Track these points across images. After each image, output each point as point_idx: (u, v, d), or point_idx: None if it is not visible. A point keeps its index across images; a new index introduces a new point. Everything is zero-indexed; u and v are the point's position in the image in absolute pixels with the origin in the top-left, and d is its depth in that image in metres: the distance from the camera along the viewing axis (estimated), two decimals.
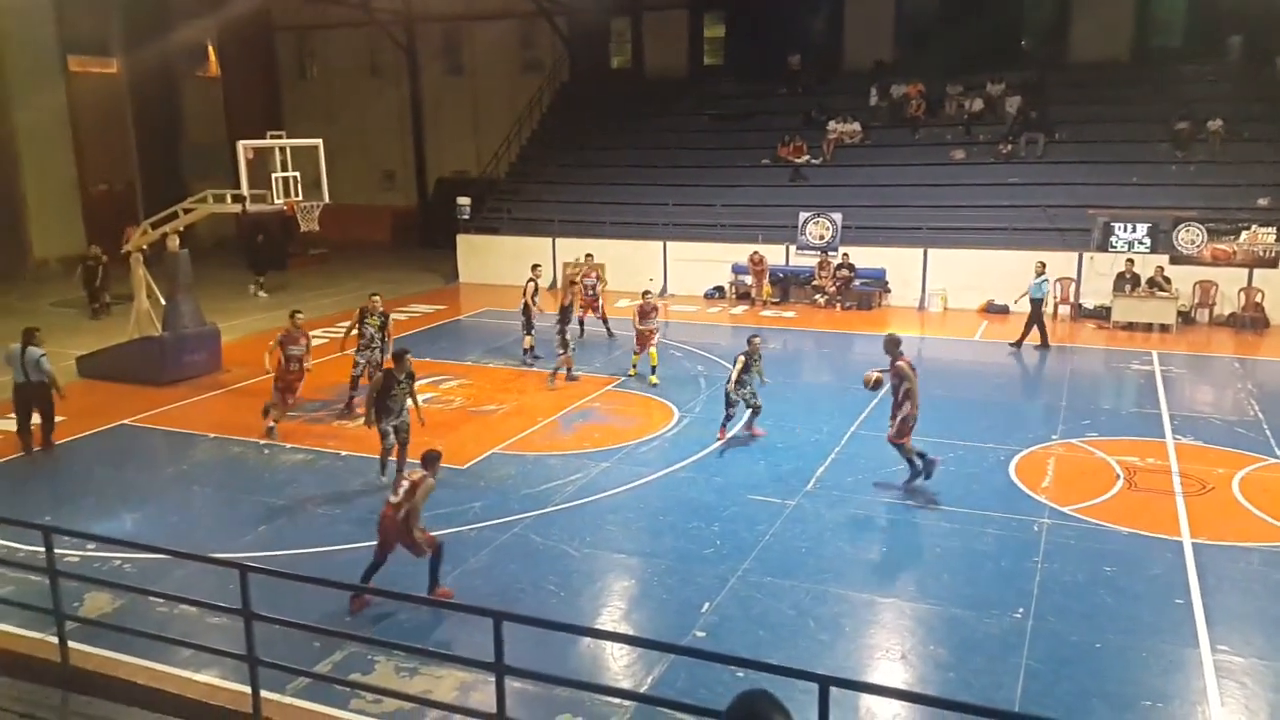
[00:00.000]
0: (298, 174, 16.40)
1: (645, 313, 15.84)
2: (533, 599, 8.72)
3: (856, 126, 26.46)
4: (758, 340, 13.22)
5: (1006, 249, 21.89)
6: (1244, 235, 20.52)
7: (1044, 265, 18.76)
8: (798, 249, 23.89)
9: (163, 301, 17.31)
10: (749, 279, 23.48)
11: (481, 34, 33.95)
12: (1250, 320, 20.05)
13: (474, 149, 33.49)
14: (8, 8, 27.39)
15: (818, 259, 23.33)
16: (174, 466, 12.53)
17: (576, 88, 31.96)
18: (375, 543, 8.54)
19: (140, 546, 8.97)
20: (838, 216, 23.67)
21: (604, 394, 15.43)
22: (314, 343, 19.13)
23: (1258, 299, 20.16)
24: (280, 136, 16.46)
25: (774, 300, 23.21)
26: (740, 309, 23.07)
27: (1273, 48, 23.99)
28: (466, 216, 27.35)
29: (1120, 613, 8.39)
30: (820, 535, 10.09)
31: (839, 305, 22.57)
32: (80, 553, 9.43)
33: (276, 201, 16.14)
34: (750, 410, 13.08)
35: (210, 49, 35.15)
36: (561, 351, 15.89)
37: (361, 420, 11.98)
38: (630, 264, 24.36)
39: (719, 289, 24.37)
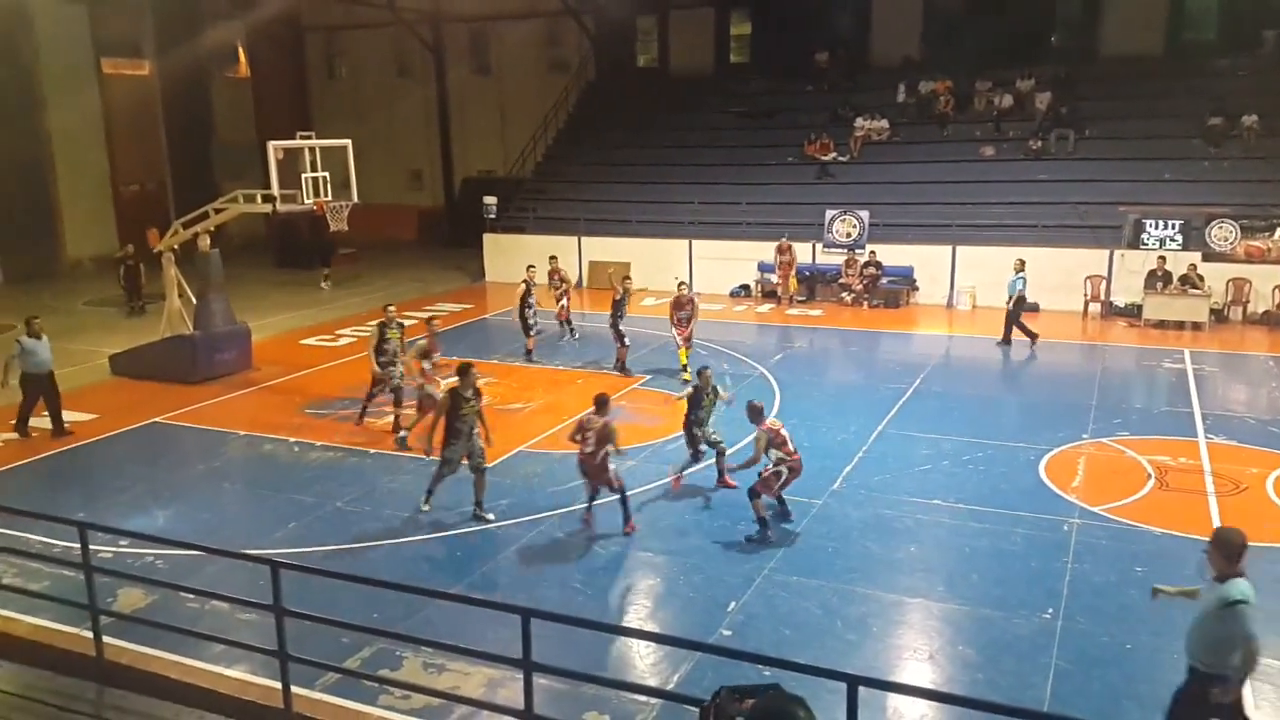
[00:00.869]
0: (327, 174, 16.53)
1: (680, 304, 15.97)
2: (559, 596, 8.76)
3: (884, 124, 26.31)
4: (709, 372, 11.58)
5: (1037, 246, 21.69)
6: (1278, 232, 20.21)
7: (1023, 263, 18.58)
8: (824, 247, 23.78)
9: (194, 300, 17.51)
10: (774, 277, 23.38)
11: (508, 34, 34.10)
12: None
13: (500, 148, 33.63)
14: (43, 12, 27.85)
15: (845, 257, 23.22)
16: (205, 464, 12.68)
17: (602, 86, 32.01)
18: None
19: (172, 543, 9.09)
20: (865, 214, 23.55)
21: (630, 392, 15.45)
22: (343, 342, 19.50)
23: None
24: (309, 137, 16.60)
25: (800, 298, 23.12)
26: (766, 307, 23.01)
27: None
28: (493, 215, 27.46)
29: (1152, 614, 8.28)
30: (847, 535, 10.06)
31: (866, 303, 22.45)
32: (113, 549, 9.56)
33: (306, 201, 16.28)
34: (716, 453, 11.51)
35: (240, 50, 35.53)
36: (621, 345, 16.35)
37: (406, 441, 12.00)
38: (656, 262, 24.36)
39: (744, 287, 24.32)
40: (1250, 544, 5.85)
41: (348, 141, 17.16)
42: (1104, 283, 21.16)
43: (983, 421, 13.61)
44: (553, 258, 20.32)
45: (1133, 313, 20.52)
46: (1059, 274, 21.21)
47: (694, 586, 9.03)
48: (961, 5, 28.82)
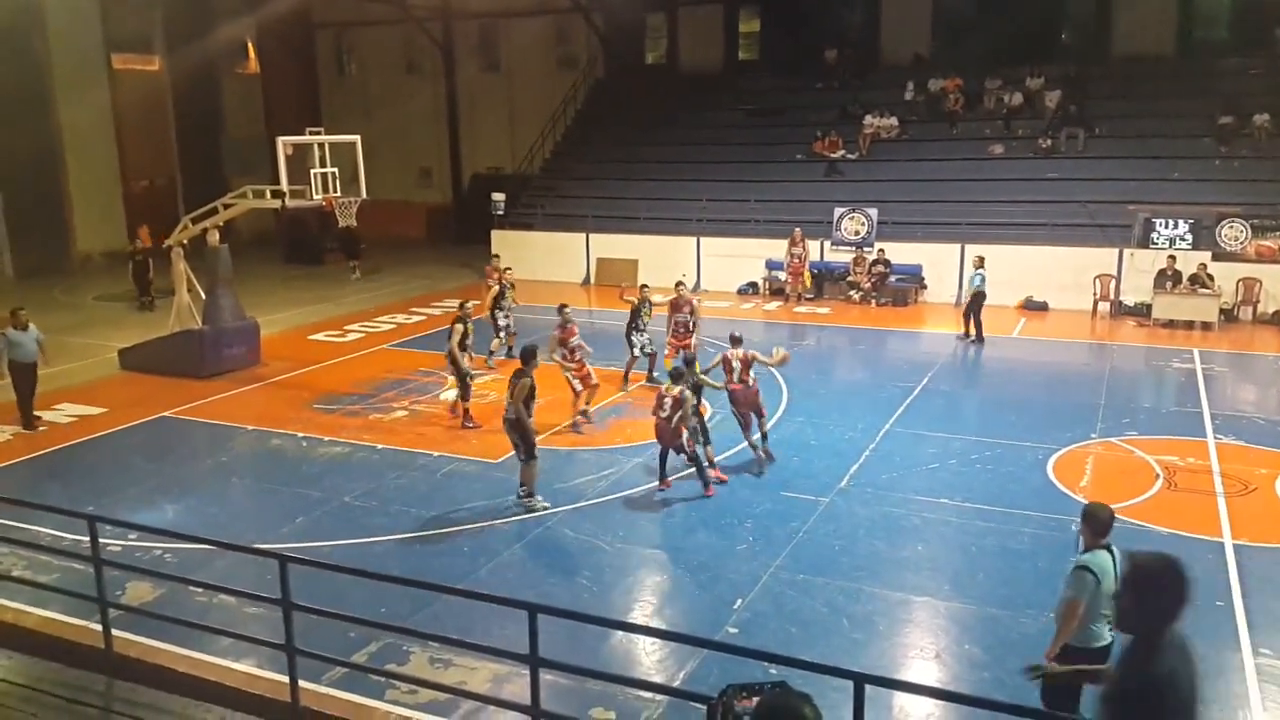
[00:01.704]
0: (336, 170, 16.54)
1: (678, 306, 15.30)
2: (565, 592, 8.78)
3: (893, 121, 26.26)
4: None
5: (1046, 245, 21.65)
6: None
7: (982, 259, 18.68)
8: (833, 245, 23.75)
9: (203, 295, 17.56)
10: (783, 275, 23.31)
11: (517, 31, 34.10)
12: None
13: (509, 145, 33.63)
14: (54, 7, 27.91)
15: (853, 255, 23.19)
16: (213, 458, 12.73)
17: (611, 83, 31.99)
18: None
19: (181, 536, 9.11)
20: (873, 212, 23.51)
21: (638, 389, 15.44)
22: (351, 338, 19.54)
23: None
24: (319, 133, 16.63)
25: (808, 296, 23.09)
26: (774, 305, 22.99)
27: None
28: (501, 212, 27.48)
29: None
30: (854, 533, 10.05)
31: (874, 301, 22.41)
32: (122, 542, 9.59)
33: (315, 197, 16.30)
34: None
35: (250, 46, 35.61)
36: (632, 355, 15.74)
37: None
38: (664, 259, 24.34)
39: (752, 285, 24.29)
40: (1260, 545, 5.84)
41: (357, 137, 17.18)
42: (1113, 282, 21.09)
43: (991, 420, 13.58)
44: (496, 256, 19.79)
45: (1142, 312, 20.45)
46: (1068, 273, 21.15)
47: (700, 584, 9.04)
48: (971, 3, 28.76)
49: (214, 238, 17.20)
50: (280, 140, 16.36)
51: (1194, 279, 19.78)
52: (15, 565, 9.24)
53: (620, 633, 8.03)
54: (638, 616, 8.55)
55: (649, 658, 7.79)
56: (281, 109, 33.74)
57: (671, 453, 11.05)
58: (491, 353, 17.11)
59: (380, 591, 8.28)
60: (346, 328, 20.40)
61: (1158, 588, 3.81)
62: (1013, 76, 26.11)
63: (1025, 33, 26.99)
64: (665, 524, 10.44)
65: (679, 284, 15.86)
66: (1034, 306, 21.60)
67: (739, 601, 8.57)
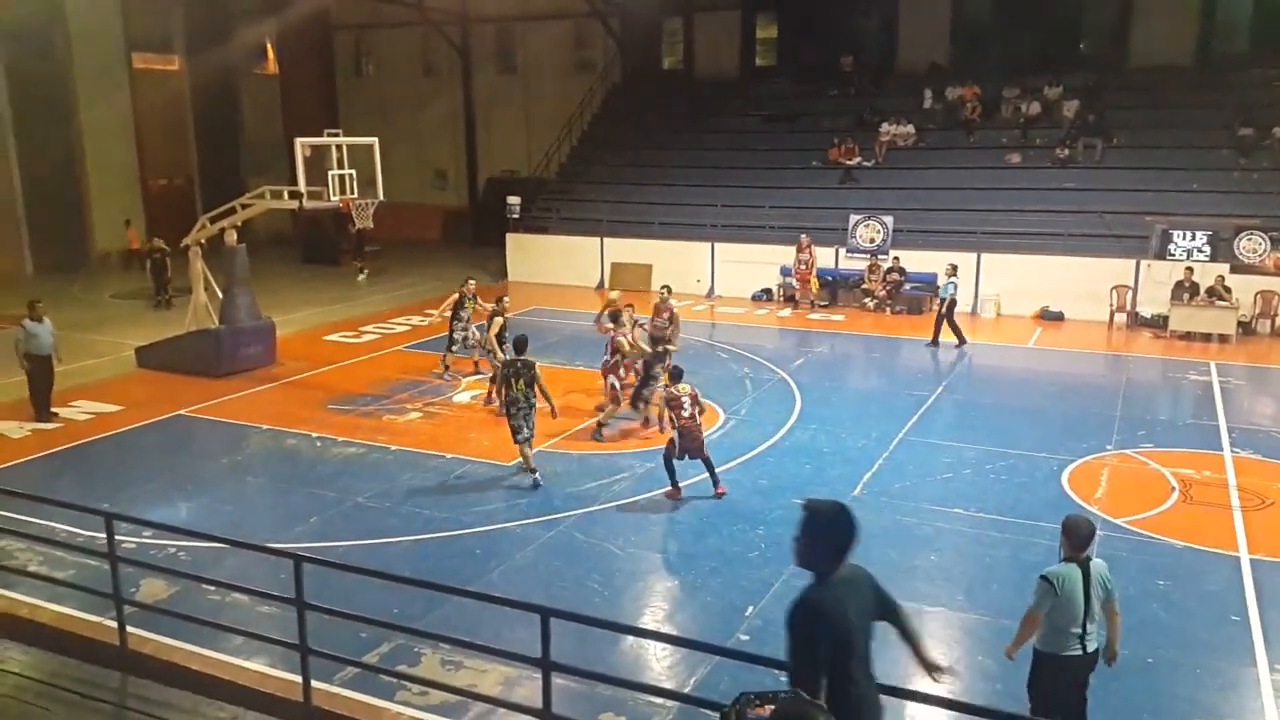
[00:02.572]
0: (353, 171, 16.61)
1: (658, 311, 14.89)
2: (576, 597, 8.77)
3: (910, 129, 26.21)
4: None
5: (1062, 255, 21.55)
6: None
7: (954, 268, 18.79)
8: (847, 252, 23.70)
9: (220, 295, 17.65)
10: (794, 280, 23.29)
11: (534, 34, 34.22)
12: None
13: (525, 149, 33.72)
14: (76, 7, 28.19)
15: (868, 262, 23.15)
16: (228, 457, 12.78)
17: (628, 88, 32.05)
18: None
19: (195, 534, 9.16)
20: (889, 219, 23.46)
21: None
22: (366, 339, 19.61)
23: None
24: (337, 134, 16.70)
25: (822, 303, 23.06)
26: (787, 311, 22.95)
27: None
28: (516, 215, 27.55)
29: (1173, 628, 8.23)
30: (867, 542, 9.81)
31: (889, 309, 22.37)
32: (137, 539, 9.65)
33: (332, 198, 16.37)
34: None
35: (269, 47, 35.85)
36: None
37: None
38: (678, 265, 24.35)
39: (766, 291, 24.27)
40: (1277, 560, 5.80)
41: (374, 140, 17.24)
42: (1130, 293, 20.98)
43: (1005, 430, 13.52)
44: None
45: (1159, 324, 20.34)
46: (1085, 283, 21.06)
47: (712, 590, 9.03)
48: (989, 11, 28.68)
49: (231, 237, 17.30)
50: (298, 141, 16.44)
51: (1211, 291, 19.67)
52: (31, 560, 9.31)
53: (631, 638, 8.04)
54: (648, 622, 8.53)
55: (660, 664, 7.78)
56: (299, 110, 33.91)
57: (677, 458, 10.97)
58: (446, 366, 16.36)
59: (392, 592, 8.30)
60: (362, 329, 20.48)
61: (828, 530, 4.55)
62: (1031, 85, 26.01)
63: (1044, 42, 26.92)
64: (677, 529, 10.44)
65: (664, 285, 15.95)
66: (1050, 316, 21.51)
67: (750, 608, 8.55)
